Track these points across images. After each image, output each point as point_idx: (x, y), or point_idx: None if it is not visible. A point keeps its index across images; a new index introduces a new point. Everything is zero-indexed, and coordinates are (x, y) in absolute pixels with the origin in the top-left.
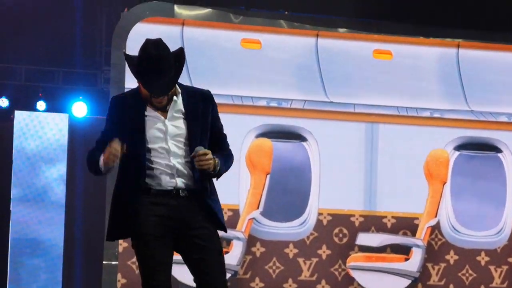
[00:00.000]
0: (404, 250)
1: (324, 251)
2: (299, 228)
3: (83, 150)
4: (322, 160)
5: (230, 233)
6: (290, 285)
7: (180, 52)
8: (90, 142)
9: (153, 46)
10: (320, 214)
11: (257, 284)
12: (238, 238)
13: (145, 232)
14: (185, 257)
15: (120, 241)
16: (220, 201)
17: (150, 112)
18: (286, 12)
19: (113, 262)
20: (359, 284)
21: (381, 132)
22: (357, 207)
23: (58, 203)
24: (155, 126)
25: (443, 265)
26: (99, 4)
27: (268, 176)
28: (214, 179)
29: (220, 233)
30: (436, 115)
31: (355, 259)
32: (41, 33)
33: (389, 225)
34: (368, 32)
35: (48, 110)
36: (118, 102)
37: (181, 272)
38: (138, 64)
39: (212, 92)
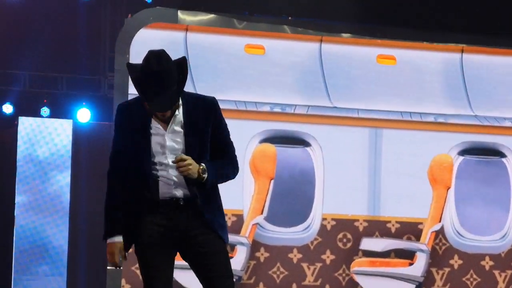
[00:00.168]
0: (408, 255)
1: (328, 256)
2: (303, 233)
3: (87, 155)
4: (326, 165)
5: (234, 238)
6: None
7: (183, 62)
8: (95, 147)
9: (155, 60)
10: (324, 219)
11: None
12: (242, 244)
13: (145, 240)
14: (191, 264)
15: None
16: (224, 206)
17: (153, 124)
18: (290, 18)
19: (117, 268)
20: None
21: (385, 137)
22: (361, 212)
23: (63, 208)
24: (156, 140)
25: (447, 269)
26: (103, 10)
27: (272, 181)
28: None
29: None
30: (440, 120)
31: (359, 264)
32: (45, 39)
33: (393, 230)
34: (372, 37)
35: (52, 116)
36: (124, 110)
37: (185, 277)
38: (140, 79)
39: (216, 97)
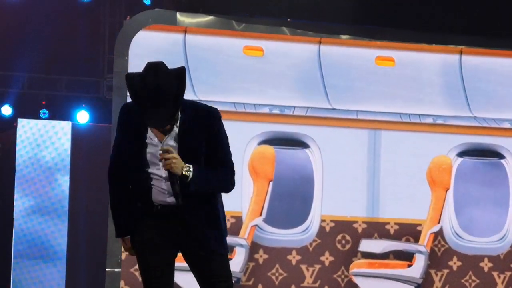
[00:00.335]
0: (407, 257)
1: (327, 258)
2: (302, 235)
3: (86, 157)
4: (325, 167)
5: (233, 240)
6: None
7: (181, 73)
8: (94, 149)
9: (152, 75)
10: (323, 220)
11: None
12: (241, 245)
13: (145, 241)
14: (190, 266)
15: (123, 248)
16: (223, 208)
17: (150, 134)
18: (289, 19)
19: (116, 270)
20: None
21: (383, 138)
22: (360, 213)
23: (62, 210)
24: (151, 150)
25: (446, 271)
26: (102, 12)
27: (271, 183)
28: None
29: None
30: (439, 121)
31: (358, 266)
32: (44, 41)
33: (392, 231)
34: (371, 39)
35: (51, 118)
36: (125, 113)
37: (185, 279)
38: (137, 94)
39: (215, 99)
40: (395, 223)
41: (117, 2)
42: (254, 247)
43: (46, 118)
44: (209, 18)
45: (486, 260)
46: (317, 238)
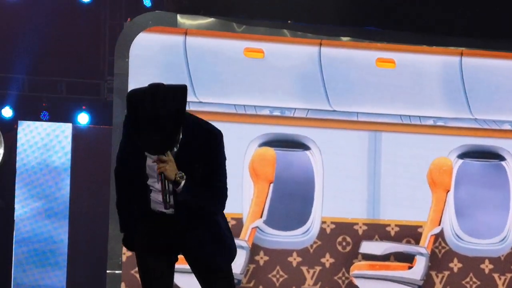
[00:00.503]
0: (407, 258)
1: (327, 260)
2: (302, 236)
3: (87, 159)
4: (325, 168)
5: None
6: None
7: (182, 92)
8: (94, 151)
9: (151, 100)
10: (323, 222)
11: None
12: (241, 247)
13: (144, 244)
14: (191, 267)
15: (124, 250)
16: (224, 210)
17: None
18: (289, 21)
19: (117, 272)
20: None
21: (384, 140)
22: (361, 215)
23: (63, 212)
24: (149, 163)
25: (446, 273)
26: (103, 14)
27: (271, 185)
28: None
29: None
30: (440, 123)
31: (358, 268)
32: (45, 43)
33: (392, 233)
34: (371, 40)
35: (51, 120)
36: (133, 110)
37: (185, 281)
38: (135, 118)
39: (215, 101)
40: (396, 225)
41: (118, 4)
42: (254, 249)
43: (46, 120)
44: (210, 20)
45: (487, 261)
46: (317, 240)
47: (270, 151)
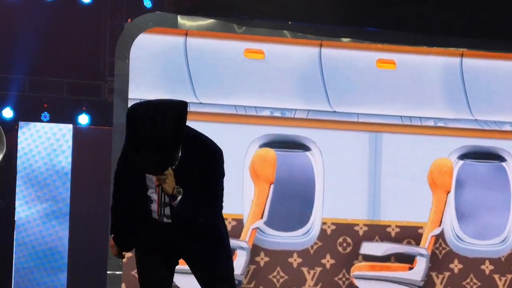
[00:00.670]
0: (408, 259)
1: (328, 261)
2: (303, 237)
3: (87, 160)
4: (326, 169)
5: (234, 242)
6: None
7: (181, 114)
8: (94, 152)
9: (151, 119)
10: (324, 223)
11: None
12: (242, 248)
13: (144, 247)
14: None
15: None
16: (224, 211)
17: None
18: (290, 22)
19: (117, 272)
20: None
21: (384, 141)
22: (361, 216)
23: (63, 213)
24: (149, 176)
25: (447, 274)
26: (103, 15)
27: (272, 186)
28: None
29: None
30: (440, 124)
31: (359, 268)
32: (45, 43)
33: (393, 234)
34: (372, 41)
35: (52, 120)
36: (132, 129)
37: (186, 282)
38: (134, 137)
39: (215, 102)
40: (396, 226)
41: (118, 4)
42: (255, 250)
43: (47, 121)
44: (210, 21)
45: (487, 262)
46: (318, 240)
47: (271, 152)
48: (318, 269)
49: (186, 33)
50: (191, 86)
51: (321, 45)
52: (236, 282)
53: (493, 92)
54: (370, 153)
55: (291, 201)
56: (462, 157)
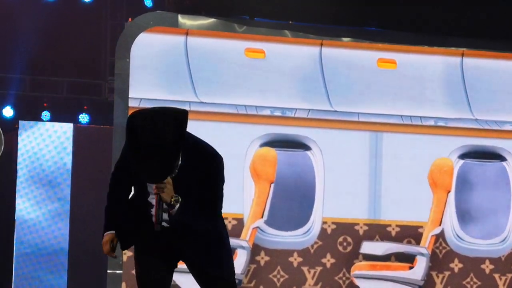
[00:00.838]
0: (408, 259)
1: (328, 260)
2: (303, 236)
3: (87, 159)
4: (326, 169)
5: (235, 242)
6: None
7: (181, 122)
8: (95, 151)
9: (152, 128)
10: (324, 222)
11: None
12: (242, 247)
13: (144, 246)
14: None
15: (125, 250)
16: (225, 210)
17: None
18: (290, 22)
19: (118, 271)
20: None
21: (385, 140)
22: (362, 215)
23: (63, 212)
24: (149, 182)
25: (447, 273)
26: (104, 14)
27: (272, 185)
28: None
29: None
30: (441, 123)
31: (359, 268)
32: (46, 43)
33: (393, 233)
34: (372, 41)
35: (52, 120)
36: (132, 136)
37: (185, 281)
38: (135, 145)
39: (216, 101)
40: (397, 225)
41: (119, 4)
42: (255, 249)
43: (47, 120)
44: (211, 20)
45: (487, 262)
46: (318, 240)
47: (271, 151)
48: (319, 269)
49: (187, 33)
50: (192, 85)
51: (321, 45)
52: (237, 281)
53: (493, 91)
54: (370, 152)
55: (291, 200)
56: (463, 156)
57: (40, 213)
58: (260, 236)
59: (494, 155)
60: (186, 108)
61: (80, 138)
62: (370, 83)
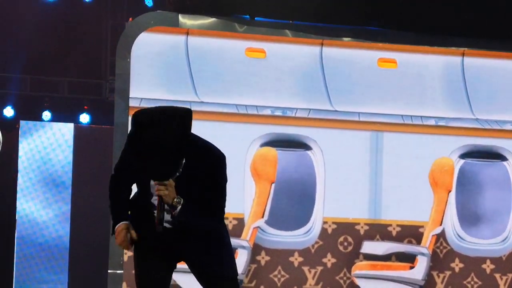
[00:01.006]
0: (409, 258)
1: (329, 260)
2: (304, 236)
3: (88, 159)
4: (327, 168)
5: (235, 241)
6: None
7: (187, 119)
8: (95, 151)
9: (157, 126)
10: (325, 222)
11: None
12: (243, 247)
13: (144, 245)
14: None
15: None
16: (225, 209)
17: None
18: (291, 21)
19: (118, 271)
20: None
21: (386, 140)
22: (362, 215)
23: (64, 212)
24: (152, 184)
25: (448, 273)
26: (104, 14)
27: (273, 185)
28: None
29: None
30: (441, 123)
31: (360, 267)
32: (46, 43)
33: (394, 233)
34: (373, 41)
35: (53, 119)
36: (137, 133)
37: (185, 281)
38: (139, 143)
39: (217, 101)
40: (397, 225)
41: (119, 3)
42: (256, 249)
43: (48, 120)
44: (211, 20)
45: (488, 261)
46: (319, 240)
47: (272, 151)
48: (319, 268)
49: (187, 32)
50: (192, 85)
51: (322, 44)
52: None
53: (494, 91)
54: (371, 152)
55: (292, 200)
56: (463, 156)
57: (41, 213)
58: (261, 236)
59: (494, 155)
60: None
61: (80, 138)
62: (370, 83)
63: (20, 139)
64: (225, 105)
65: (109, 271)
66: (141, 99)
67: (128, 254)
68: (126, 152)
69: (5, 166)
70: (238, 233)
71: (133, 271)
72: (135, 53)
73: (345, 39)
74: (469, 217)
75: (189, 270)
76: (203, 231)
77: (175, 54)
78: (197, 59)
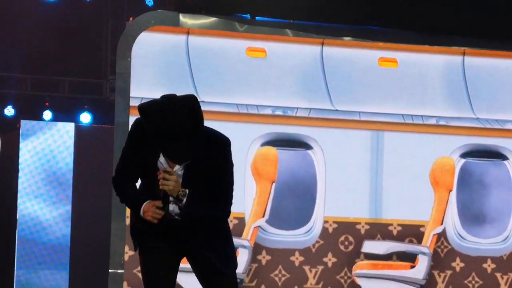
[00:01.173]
0: (410, 258)
1: (330, 259)
2: (304, 236)
3: (89, 158)
4: (328, 168)
5: (236, 241)
6: None
7: (195, 105)
8: (96, 150)
9: (171, 111)
10: (325, 222)
11: None
12: (243, 246)
13: (149, 243)
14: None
15: (126, 249)
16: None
17: (162, 158)
18: (291, 21)
19: (119, 271)
20: None
21: (386, 139)
22: (363, 214)
23: (65, 212)
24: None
25: (449, 272)
26: (105, 14)
27: (274, 184)
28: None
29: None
30: (442, 122)
31: (361, 267)
32: (47, 42)
33: (395, 232)
34: (373, 40)
35: (54, 119)
36: (139, 131)
37: (187, 280)
38: (155, 129)
39: (217, 100)
40: (398, 224)
41: (120, 3)
42: (257, 248)
43: (49, 120)
44: (212, 19)
45: (489, 261)
46: (320, 239)
47: (273, 150)
48: (320, 268)
49: (188, 32)
50: (193, 84)
51: (323, 44)
52: (238, 280)
53: (495, 90)
54: (372, 151)
55: (292, 199)
56: (464, 155)
57: (42, 212)
58: (262, 235)
59: (495, 154)
60: None
61: (81, 137)
62: (371, 82)
63: (20, 138)
64: (225, 104)
65: (110, 270)
66: (142, 98)
67: (129, 254)
68: (126, 149)
69: (5, 165)
70: (239, 233)
71: (134, 271)
72: (135, 53)
73: (346, 38)
74: (470, 217)
75: (190, 270)
76: (211, 221)
77: (175, 54)
78: (198, 59)
